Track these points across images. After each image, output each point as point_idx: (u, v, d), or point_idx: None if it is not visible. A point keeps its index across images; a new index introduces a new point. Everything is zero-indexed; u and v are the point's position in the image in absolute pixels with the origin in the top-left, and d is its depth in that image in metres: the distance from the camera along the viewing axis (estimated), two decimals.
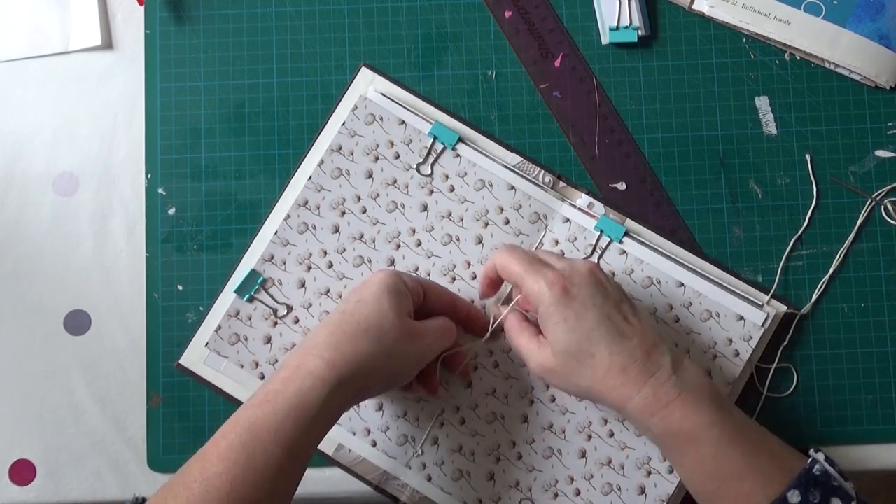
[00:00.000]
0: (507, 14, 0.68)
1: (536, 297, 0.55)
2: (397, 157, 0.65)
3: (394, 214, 0.64)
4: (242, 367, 0.64)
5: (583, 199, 0.65)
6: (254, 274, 0.64)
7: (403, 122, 0.65)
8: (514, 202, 0.65)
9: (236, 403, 0.64)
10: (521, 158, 0.65)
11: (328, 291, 0.64)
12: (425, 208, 0.65)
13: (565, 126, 0.67)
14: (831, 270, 0.65)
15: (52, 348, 0.66)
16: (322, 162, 0.65)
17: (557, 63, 0.68)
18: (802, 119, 0.67)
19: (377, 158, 0.65)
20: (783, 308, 0.64)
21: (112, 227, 0.67)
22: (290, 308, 0.64)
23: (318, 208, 0.64)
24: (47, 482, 0.65)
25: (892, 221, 0.66)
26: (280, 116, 0.68)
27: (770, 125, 0.67)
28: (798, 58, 0.67)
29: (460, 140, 0.65)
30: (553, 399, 0.63)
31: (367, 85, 0.67)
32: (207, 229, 0.67)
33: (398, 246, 0.64)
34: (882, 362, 0.65)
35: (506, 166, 0.65)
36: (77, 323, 0.66)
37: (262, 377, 0.64)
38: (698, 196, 0.66)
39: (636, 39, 0.67)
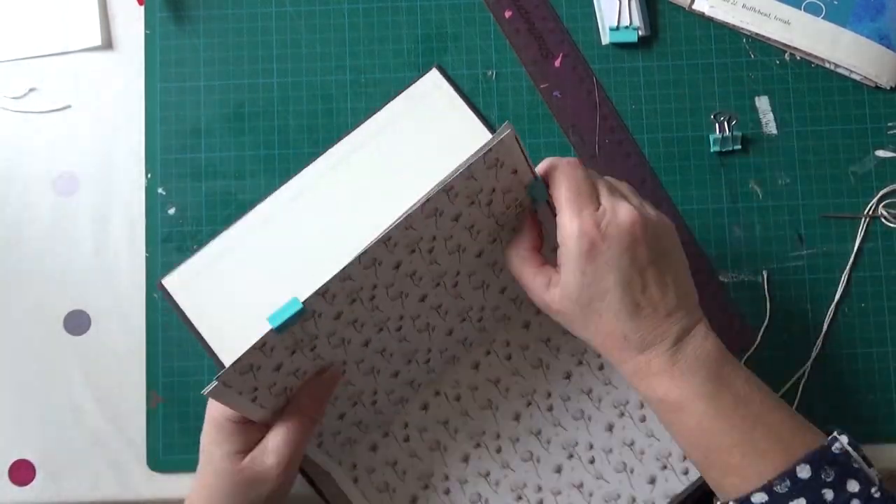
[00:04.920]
0: (507, 14, 0.68)
1: (564, 235, 0.52)
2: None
3: None
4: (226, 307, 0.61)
5: None
6: None
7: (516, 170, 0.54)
8: None
9: (202, 343, 0.61)
10: None
11: None
12: None
13: (565, 126, 0.67)
14: (838, 296, 0.65)
15: (52, 348, 0.66)
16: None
17: (557, 63, 0.68)
18: (802, 119, 0.67)
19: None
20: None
21: (112, 227, 0.67)
22: None
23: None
24: (47, 482, 0.65)
25: (891, 225, 0.66)
26: (280, 116, 0.68)
27: (770, 125, 0.67)
28: (798, 58, 0.67)
29: None
30: (550, 409, 0.63)
31: (435, 89, 0.62)
32: (207, 229, 0.67)
33: None
34: (882, 362, 0.65)
35: None
36: (77, 323, 0.66)
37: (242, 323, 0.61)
38: (698, 196, 0.66)
39: (636, 39, 0.67)
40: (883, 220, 0.66)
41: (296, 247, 0.62)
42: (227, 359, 0.59)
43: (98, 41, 0.68)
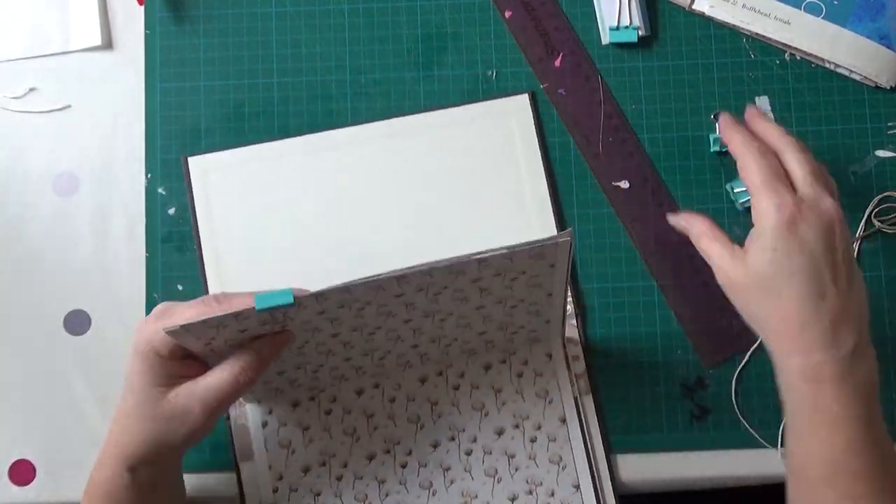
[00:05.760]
0: (508, 14, 0.68)
1: (759, 211, 0.53)
2: None
3: None
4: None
5: None
6: None
7: None
8: None
9: (195, 233, 0.65)
10: None
11: None
12: None
13: (569, 124, 0.67)
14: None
15: (52, 348, 0.66)
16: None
17: (560, 62, 0.68)
18: (802, 119, 0.67)
19: None
20: None
21: (112, 227, 0.67)
22: None
23: None
24: (47, 482, 0.65)
25: (888, 231, 0.66)
26: (280, 116, 0.67)
27: None
28: (798, 58, 0.68)
29: None
30: (469, 452, 0.63)
31: (517, 111, 0.66)
32: None
33: None
34: (881, 362, 0.65)
35: None
36: (77, 323, 0.66)
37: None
38: (699, 196, 0.66)
39: (636, 39, 0.67)
40: (882, 231, 0.65)
41: (312, 191, 0.66)
42: (210, 258, 0.65)
43: (98, 41, 0.68)
